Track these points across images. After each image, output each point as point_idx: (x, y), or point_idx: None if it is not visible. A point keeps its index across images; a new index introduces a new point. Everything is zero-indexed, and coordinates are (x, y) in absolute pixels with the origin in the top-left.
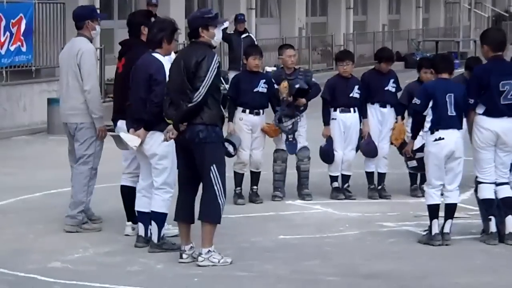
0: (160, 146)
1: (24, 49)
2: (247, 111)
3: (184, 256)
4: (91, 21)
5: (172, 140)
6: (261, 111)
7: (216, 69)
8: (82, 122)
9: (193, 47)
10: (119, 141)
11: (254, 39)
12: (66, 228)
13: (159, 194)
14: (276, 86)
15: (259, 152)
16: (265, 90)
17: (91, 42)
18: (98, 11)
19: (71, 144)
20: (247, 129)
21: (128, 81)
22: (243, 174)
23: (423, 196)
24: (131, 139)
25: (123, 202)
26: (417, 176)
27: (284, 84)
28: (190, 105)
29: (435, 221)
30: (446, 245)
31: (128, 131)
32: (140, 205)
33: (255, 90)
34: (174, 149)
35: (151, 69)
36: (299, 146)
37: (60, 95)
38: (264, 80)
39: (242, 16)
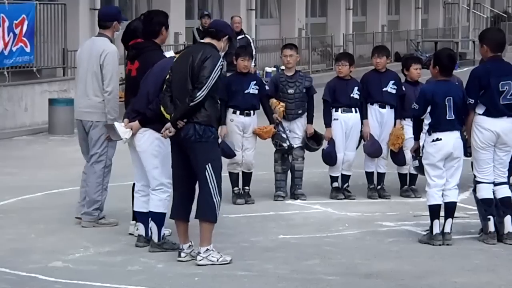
0: (151, 145)
1: (27, 49)
2: (238, 112)
3: (183, 254)
4: (118, 22)
5: (164, 140)
6: (251, 112)
7: (219, 71)
8: (98, 121)
9: (203, 46)
10: (113, 131)
11: (251, 40)
12: (83, 224)
13: (156, 195)
14: (267, 85)
15: (251, 153)
16: (256, 92)
17: (113, 43)
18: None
19: (83, 141)
20: (238, 130)
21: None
22: (238, 173)
23: (415, 196)
24: (124, 131)
25: (132, 200)
26: (407, 178)
27: (281, 109)
28: (191, 104)
29: (436, 221)
30: (447, 244)
31: (123, 120)
32: (139, 205)
33: (246, 91)
34: (166, 149)
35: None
36: (295, 146)
37: (75, 92)
38: (255, 82)
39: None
